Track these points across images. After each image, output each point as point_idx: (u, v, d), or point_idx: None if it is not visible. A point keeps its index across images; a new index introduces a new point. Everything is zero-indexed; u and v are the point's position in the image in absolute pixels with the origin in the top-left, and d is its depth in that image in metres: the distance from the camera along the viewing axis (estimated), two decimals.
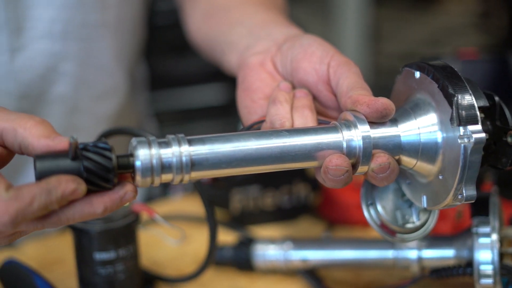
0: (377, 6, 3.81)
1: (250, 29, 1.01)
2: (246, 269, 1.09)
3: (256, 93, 0.90)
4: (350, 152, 0.77)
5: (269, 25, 1.00)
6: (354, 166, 0.78)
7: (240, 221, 1.24)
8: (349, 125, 0.78)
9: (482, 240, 0.90)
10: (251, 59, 0.93)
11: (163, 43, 2.70)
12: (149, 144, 0.72)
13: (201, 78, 2.70)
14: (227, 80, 2.49)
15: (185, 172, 0.73)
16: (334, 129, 0.78)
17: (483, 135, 0.73)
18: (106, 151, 0.71)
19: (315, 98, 0.87)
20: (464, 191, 0.74)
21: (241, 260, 1.08)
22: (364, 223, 1.20)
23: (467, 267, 0.91)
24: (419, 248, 0.98)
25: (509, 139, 0.75)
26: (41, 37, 1.15)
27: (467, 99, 0.74)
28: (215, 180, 1.24)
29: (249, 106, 0.90)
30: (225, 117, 2.71)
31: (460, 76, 0.76)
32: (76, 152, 0.71)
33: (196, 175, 0.74)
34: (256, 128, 0.85)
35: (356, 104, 0.78)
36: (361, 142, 0.76)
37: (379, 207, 0.85)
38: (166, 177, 0.73)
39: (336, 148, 0.77)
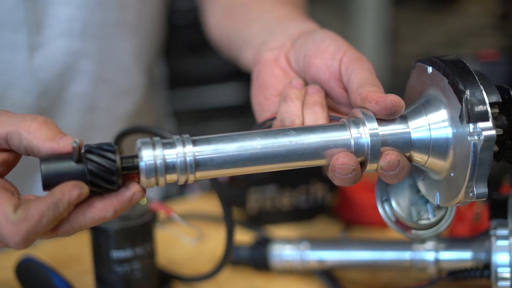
0: (395, 7, 3.80)
1: (266, 25, 1.00)
2: (262, 269, 1.09)
3: (269, 90, 0.89)
4: (358, 150, 0.76)
5: (285, 20, 1.00)
6: (363, 164, 0.77)
7: (257, 220, 1.24)
8: (357, 122, 0.77)
9: (500, 242, 0.89)
10: (265, 55, 0.93)
11: (182, 43, 2.71)
12: (153, 145, 0.72)
13: (219, 77, 2.70)
14: (245, 80, 2.49)
15: (190, 172, 0.73)
16: (342, 126, 0.77)
17: (493, 132, 0.72)
18: (110, 153, 0.71)
19: (327, 95, 0.87)
20: (475, 189, 0.73)
21: (257, 260, 1.08)
22: (381, 224, 1.20)
23: (485, 269, 0.90)
24: (436, 249, 0.98)
25: None
26: (60, 36, 1.15)
27: (478, 95, 0.73)
28: (233, 179, 1.24)
29: (262, 103, 0.89)
30: (243, 117, 2.71)
31: (471, 71, 0.75)
32: (80, 154, 0.71)
33: (201, 175, 0.74)
34: (268, 126, 0.85)
35: (365, 101, 0.77)
36: (369, 140, 0.76)
37: (393, 203, 0.84)
38: (171, 177, 0.73)
39: (343, 146, 0.76)
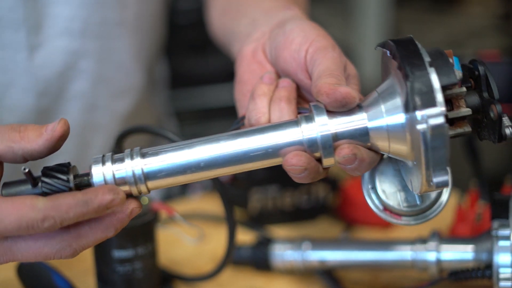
0: (397, 7, 3.80)
1: (253, 17, 0.98)
2: (263, 269, 1.09)
3: (245, 86, 0.87)
4: (311, 147, 0.74)
5: (271, 11, 0.97)
6: (320, 160, 0.75)
7: (258, 220, 1.24)
8: (309, 118, 0.75)
9: (502, 243, 0.89)
10: (245, 48, 0.90)
11: (184, 42, 2.71)
12: (104, 162, 0.74)
13: (221, 77, 2.69)
14: None
15: (140, 183, 0.74)
16: (295, 123, 0.75)
17: (441, 120, 0.68)
18: (62, 174, 0.73)
19: (299, 88, 0.84)
20: (433, 178, 0.70)
21: (259, 260, 1.08)
22: (382, 224, 1.21)
23: (486, 270, 0.90)
24: (438, 250, 0.97)
25: (491, 114, 0.72)
26: (59, 35, 1.15)
27: (424, 80, 0.69)
28: (234, 179, 1.24)
29: (240, 99, 0.88)
30: None
31: (421, 53, 0.71)
32: (36, 178, 0.73)
33: (153, 185, 0.75)
34: (240, 126, 0.84)
35: (318, 94, 0.75)
36: (319, 135, 0.74)
37: (379, 191, 0.81)
38: (124, 190, 0.74)
39: (295, 144, 0.74)
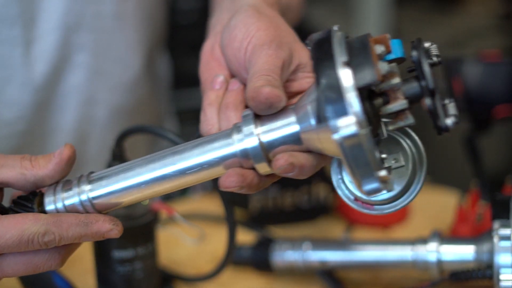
0: (398, 7, 3.80)
1: (223, 6, 0.92)
2: (264, 269, 1.09)
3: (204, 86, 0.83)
4: (245, 157, 0.71)
5: None
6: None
7: (259, 221, 1.23)
8: (239, 127, 0.72)
9: (503, 243, 0.89)
10: (205, 44, 0.87)
11: (184, 42, 2.71)
12: (55, 191, 0.76)
13: None
14: None
15: (89, 208, 0.76)
16: (228, 135, 0.72)
17: (353, 129, 0.63)
18: (28, 202, 0.76)
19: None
20: (362, 186, 0.66)
21: (259, 260, 1.08)
22: (383, 224, 1.21)
23: (487, 270, 0.90)
24: (439, 250, 0.97)
25: (423, 105, 0.68)
26: (54, 29, 1.14)
27: (334, 85, 0.63)
28: None
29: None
30: None
31: (333, 53, 0.65)
32: (6, 209, 0.77)
33: (101, 208, 0.76)
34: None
35: (248, 100, 0.72)
36: (248, 146, 0.71)
37: (347, 182, 0.77)
38: None
39: (230, 157, 0.72)
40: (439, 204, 1.30)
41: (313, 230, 1.23)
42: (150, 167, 0.74)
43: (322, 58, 0.65)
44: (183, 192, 1.36)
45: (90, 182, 0.76)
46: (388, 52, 0.69)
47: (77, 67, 1.18)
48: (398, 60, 0.69)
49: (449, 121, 0.67)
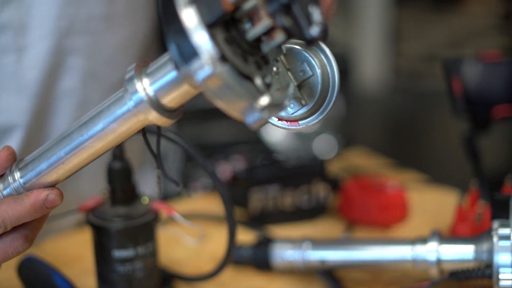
0: (398, 7, 3.81)
1: None
2: (264, 268, 1.09)
3: None
4: (139, 110, 0.73)
5: None
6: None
7: (259, 220, 1.24)
8: (125, 86, 0.74)
9: (502, 242, 0.89)
10: None
11: None
12: None
13: None
14: None
15: (23, 192, 0.79)
16: (120, 97, 0.75)
17: (208, 69, 0.63)
18: None
19: None
20: (246, 119, 0.66)
21: (259, 259, 1.08)
22: (383, 224, 1.21)
23: (486, 269, 0.90)
24: (438, 250, 0.97)
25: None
26: (47, 34, 1.14)
27: (179, 28, 0.63)
28: (235, 179, 1.24)
29: None
30: None
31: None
32: None
33: (31, 185, 0.79)
34: None
35: None
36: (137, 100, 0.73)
37: None
38: None
39: (124, 114, 0.74)
40: (439, 203, 1.31)
41: (313, 229, 1.23)
42: (64, 142, 0.77)
43: (167, 2, 0.64)
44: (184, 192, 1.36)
45: (20, 169, 0.79)
46: None
47: (70, 71, 1.18)
48: None
49: (314, 31, 0.66)
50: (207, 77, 0.63)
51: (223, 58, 0.63)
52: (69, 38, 1.16)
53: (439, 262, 0.97)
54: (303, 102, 0.76)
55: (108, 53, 1.22)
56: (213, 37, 0.63)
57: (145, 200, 0.98)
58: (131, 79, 0.73)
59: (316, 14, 0.66)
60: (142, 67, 0.73)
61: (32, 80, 1.15)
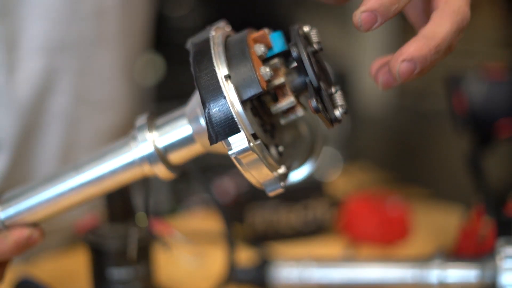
0: (399, 17, 3.80)
1: None
2: None
3: None
4: (144, 162, 0.75)
5: None
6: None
7: (258, 238, 1.23)
8: (134, 135, 0.76)
9: (506, 262, 0.88)
10: None
11: (179, 54, 2.72)
12: None
13: None
14: None
15: (2, 228, 0.78)
16: (125, 144, 0.76)
17: (244, 144, 0.65)
18: None
19: None
20: (266, 189, 0.69)
21: (258, 279, 1.07)
22: (384, 242, 1.20)
23: None
24: (441, 269, 0.96)
25: (310, 106, 0.66)
26: (37, 53, 1.13)
27: (221, 107, 0.65)
28: (236, 201, 1.23)
29: None
30: None
31: (214, 68, 0.65)
32: None
33: (12, 222, 0.78)
34: None
35: None
36: (144, 152, 0.74)
37: None
38: None
39: (128, 165, 0.75)
40: (443, 219, 1.30)
41: (314, 248, 1.23)
42: (55, 183, 0.76)
43: (203, 72, 0.66)
44: (180, 208, 1.35)
45: (1, 203, 0.78)
46: (269, 48, 0.69)
47: (60, 91, 1.17)
48: (282, 54, 0.70)
49: (338, 112, 0.67)
50: (241, 151, 0.65)
51: (255, 134, 0.66)
52: (60, 57, 1.15)
53: (441, 283, 0.96)
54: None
55: (100, 74, 1.21)
56: (246, 111, 0.66)
57: (142, 217, 0.97)
58: (142, 128, 0.74)
59: (338, 95, 0.69)
60: (153, 118, 0.75)
61: (22, 99, 1.13)
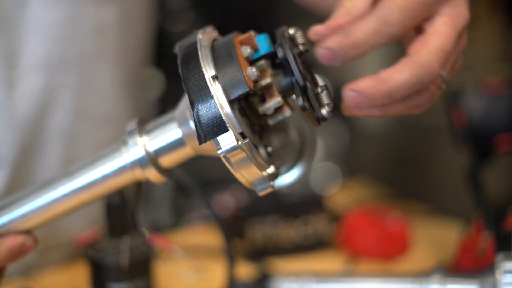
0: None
1: None
2: None
3: None
4: (135, 166, 0.75)
5: None
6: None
7: (258, 253, 1.23)
8: (125, 139, 0.77)
9: (506, 277, 0.88)
10: None
11: (173, 71, 2.72)
12: None
13: None
14: None
15: None
16: (116, 149, 0.77)
17: (233, 143, 0.65)
18: None
19: None
20: (255, 188, 0.70)
21: None
22: (384, 257, 1.19)
23: None
24: (441, 284, 0.96)
25: (296, 104, 0.67)
26: (37, 70, 1.13)
27: (208, 106, 0.65)
28: (236, 215, 1.23)
29: None
30: None
31: (202, 69, 0.66)
32: None
33: (5, 230, 0.78)
34: None
35: None
36: (135, 156, 0.75)
37: None
38: None
39: (119, 170, 0.76)
40: (442, 234, 1.30)
41: (314, 263, 1.22)
42: (47, 190, 0.77)
43: (191, 73, 0.67)
44: (181, 223, 1.35)
45: None
46: (256, 50, 0.70)
47: (60, 107, 1.17)
48: (269, 56, 0.70)
49: (324, 111, 0.68)
50: (230, 150, 0.65)
51: (243, 133, 0.67)
52: (60, 74, 1.15)
53: None
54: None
55: (100, 90, 1.21)
56: (234, 111, 0.66)
57: (144, 232, 0.97)
58: (132, 133, 0.75)
59: (324, 94, 0.69)
60: (143, 123, 0.76)
61: (21, 115, 1.14)
